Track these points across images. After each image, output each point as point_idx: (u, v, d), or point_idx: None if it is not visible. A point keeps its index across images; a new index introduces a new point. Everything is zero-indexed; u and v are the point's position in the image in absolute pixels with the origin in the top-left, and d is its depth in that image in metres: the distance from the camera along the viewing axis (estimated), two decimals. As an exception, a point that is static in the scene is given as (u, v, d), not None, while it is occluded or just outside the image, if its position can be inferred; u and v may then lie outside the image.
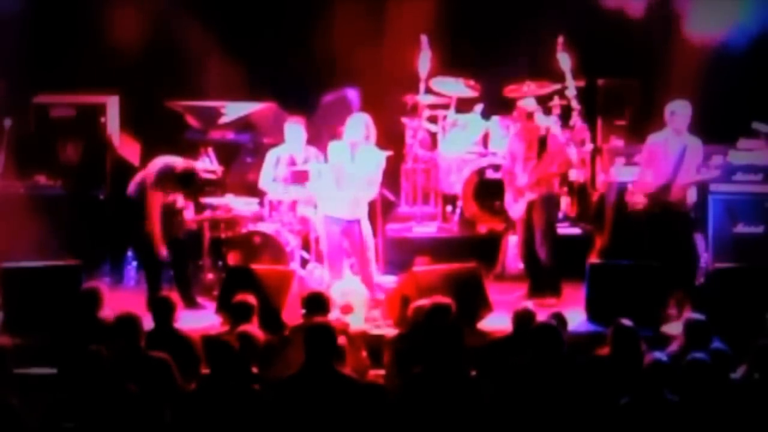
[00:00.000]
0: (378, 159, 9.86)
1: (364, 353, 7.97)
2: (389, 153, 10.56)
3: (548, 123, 10.70)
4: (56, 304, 8.88)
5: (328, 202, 9.88)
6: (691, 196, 10.00)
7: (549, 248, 9.98)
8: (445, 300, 7.67)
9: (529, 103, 10.20)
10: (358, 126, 9.76)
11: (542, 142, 10.04)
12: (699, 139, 9.81)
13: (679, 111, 9.73)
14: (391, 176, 11.51)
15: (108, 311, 8.02)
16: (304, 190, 10.26)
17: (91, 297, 8.00)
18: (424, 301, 7.86)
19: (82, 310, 7.94)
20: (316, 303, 7.85)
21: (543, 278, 10.02)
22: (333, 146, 9.86)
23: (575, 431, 6.56)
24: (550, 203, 10.12)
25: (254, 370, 7.11)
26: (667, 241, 9.64)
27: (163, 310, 7.68)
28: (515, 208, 10.11)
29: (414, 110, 11.93)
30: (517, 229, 10.33)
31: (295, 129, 10.51)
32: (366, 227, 9.88)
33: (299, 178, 10.30)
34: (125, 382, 6.51)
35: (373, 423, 6.31)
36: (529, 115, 10.04)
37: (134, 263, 10.99)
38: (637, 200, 9.86)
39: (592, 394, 6.66)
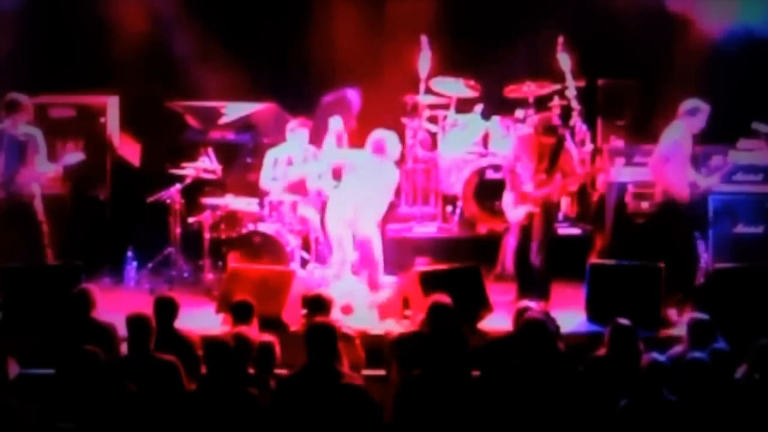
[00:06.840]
0: (394, 176, 10.21)
1: (362, 353, 7.96)
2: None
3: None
4: (56, 305, 8.87)
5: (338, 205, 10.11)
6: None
7: (543, 258, 9.79)
8: (444, 299, 7.62)
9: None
10: (397, 145, 10.19)
11: (554, 157, 9.72)
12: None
13: (701, 109, 9.65)
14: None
15: (104, 311, 8.04)
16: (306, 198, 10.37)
17: (82, 299, 7.97)
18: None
19: (74, 312, 7.92)
20: (317, 304, 7.85)
21: (533, 282, 9.84)
22: (361, 154, 10.14)
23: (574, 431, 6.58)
24: (550, 214, 9.91)
25: (250, 371, 7.11)
26: (666, 242, 9.63)
27: (164, 311, 7.68)
28: (514, 212, 9.83)
29: (414, 110, 11.93)
30: (511, 230, 10.24)
31: (299, 136, 10.54)
32: (375, 235, 10.08)
33: (298, 188, 10.39)
34: (125, 382, 6.51)
35: (362, 422, 6.30)
36: (550, 129, 9.77)
37: (134, 263, 11.00)
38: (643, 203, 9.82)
39: (590, 395, 6.66)
